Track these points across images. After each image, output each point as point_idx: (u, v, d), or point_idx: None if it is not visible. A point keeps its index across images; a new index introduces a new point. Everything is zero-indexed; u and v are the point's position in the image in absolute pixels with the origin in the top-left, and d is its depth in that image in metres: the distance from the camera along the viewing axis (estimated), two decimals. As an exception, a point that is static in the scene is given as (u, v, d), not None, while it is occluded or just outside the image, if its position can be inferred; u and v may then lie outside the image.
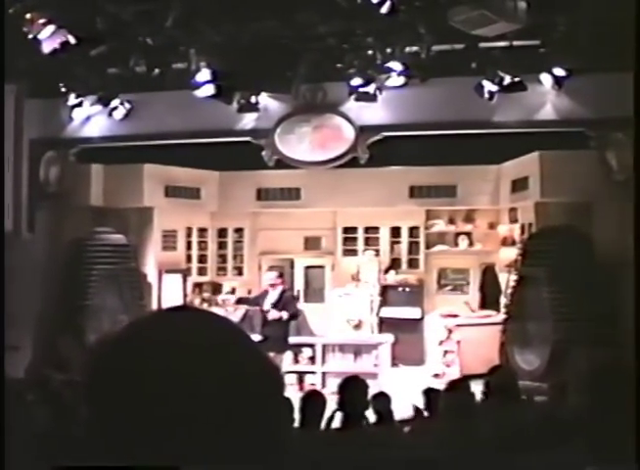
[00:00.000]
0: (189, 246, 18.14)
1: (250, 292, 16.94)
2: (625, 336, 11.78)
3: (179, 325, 1.32)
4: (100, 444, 1.23)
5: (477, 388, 7.67)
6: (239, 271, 18.99)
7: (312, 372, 14.35)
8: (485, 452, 5.20)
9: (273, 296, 13.36)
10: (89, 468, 1.23)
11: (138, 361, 1.26)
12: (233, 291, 18.28)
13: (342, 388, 6.51)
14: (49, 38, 10.35)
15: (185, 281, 17.60)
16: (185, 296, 17.55)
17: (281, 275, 14.28)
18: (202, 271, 18.58)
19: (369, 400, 6.77)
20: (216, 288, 18.78)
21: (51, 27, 10.31)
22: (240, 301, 13.63)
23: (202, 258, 18.56)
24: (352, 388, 6.46)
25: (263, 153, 13.76)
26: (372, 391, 7.53)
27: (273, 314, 13.19)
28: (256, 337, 12.97)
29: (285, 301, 13.44)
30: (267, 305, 13.28)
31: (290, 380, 14.16)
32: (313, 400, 6.79)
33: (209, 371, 1.25)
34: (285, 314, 13.22)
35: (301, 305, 17.98)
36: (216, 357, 1.27)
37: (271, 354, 12.89)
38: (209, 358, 1.26)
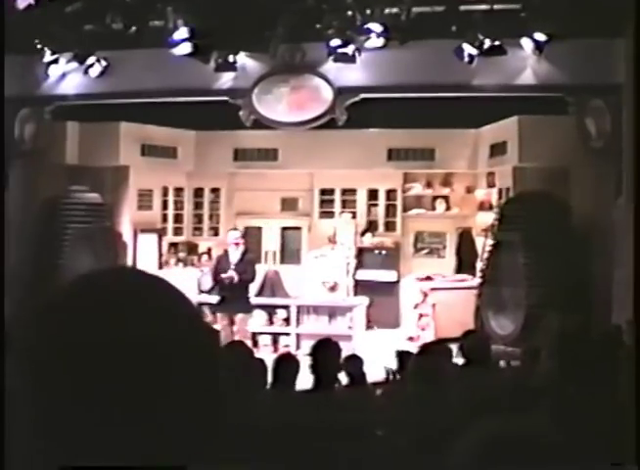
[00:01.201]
0: (165, 205, 18.15)
1: (226, 252, 16.99)
2: (598, 303, 11.92)
3: (109, 284, 1.33)
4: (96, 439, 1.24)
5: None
6: (215, 232, 18.99)
7: (287, 334, 14.42)
8: (455, 416, 5.27)
9: (235, 255, 13.30)
10: (89, 468, 1.24)
11: (68, 322, 1.27)
12: (209, 251, 18.27)
13: (314, 350, 6.56)
14: (24, -6, 10.25)
15: (160, 241, 17.62)
16: (160, 256, 17.57)
17: (243, 235, 14.26)
18: (177, 231, 18.60)
19: (341, 363, 6.82)
20: (192, 248, 18.79)
21: (26, -18, 10.22)
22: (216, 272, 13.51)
23: (177, 218, 18.57)
24: (325, 350, 6.51)
25: (241, 113, 13.70)
26: (345, 353, 7.59)
27: (226, 274, 13.11)
28: (214, 298, 13.09)
29: (245, 262, 13.37)
30: (231, 265, 13.23)
31: (264, 341, 14.25)
32: (286, 363, 6.83)
33: (140, 329, 1.26)
34: (235, 276, 13.10)
35: (277, 266, 18.05)
36: (147, 315, 1.29)
37: (239, 316, 12.98)
38: (139, 316, 1.27)
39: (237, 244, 13.39)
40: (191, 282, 15.56)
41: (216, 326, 13.33)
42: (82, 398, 1.23)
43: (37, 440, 1.26)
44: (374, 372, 8.53)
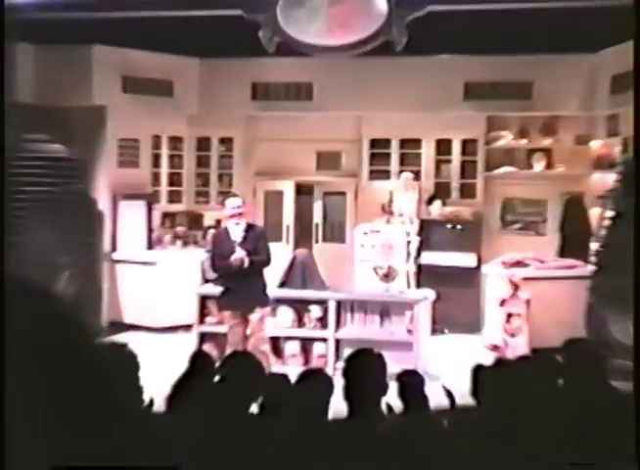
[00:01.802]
0: (156, 162, 18.13)
1: (225, 228, 17.03)
2: None
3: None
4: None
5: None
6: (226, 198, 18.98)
7: (323, 339, 14.31)
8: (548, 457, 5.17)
9: (237, 232, 12.81)
10: (89, 468, 1.57)
11: None
12: (217, 225, 18.23)
13: (348, 365, 6.47)
14: None
15: (150, 210, 17.62)
16: (150, 231, 17.57)
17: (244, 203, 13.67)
18: (174, 197, 18.63)
19: (387, 383, 6.73)
20: (195, 220, 18.79)
21: None
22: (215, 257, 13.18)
23: (174, 180, 18.58)
24: (362, 366, 6.42)
25: (260, 33, 13.61)
26: (400, 368, 7.50)
27: (234, 256, 12.64)
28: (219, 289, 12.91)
29: (254, 238, 12.88)
30: (234, 244, 12.75)
31: (291, 349, 14.17)
32: (314, 382, 6.75)
33: None
34: (246, 257, 12.64)
35: (320, 244, 18.09)
36: None
37: (256, 312, 12.73)
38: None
39: (239, 215, 12.89)
40: (192, 267, 15.58)
41: (223, 328, 13.15)
42: None
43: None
44: (439, 394, 8.43)
